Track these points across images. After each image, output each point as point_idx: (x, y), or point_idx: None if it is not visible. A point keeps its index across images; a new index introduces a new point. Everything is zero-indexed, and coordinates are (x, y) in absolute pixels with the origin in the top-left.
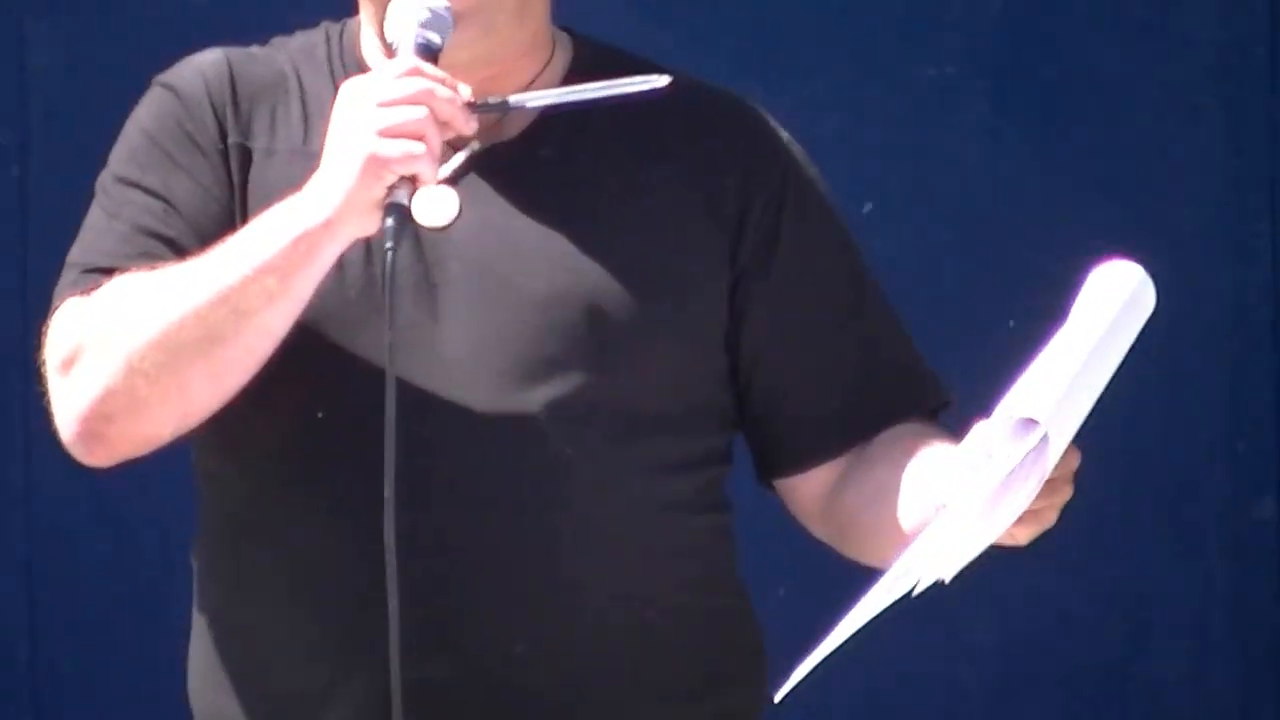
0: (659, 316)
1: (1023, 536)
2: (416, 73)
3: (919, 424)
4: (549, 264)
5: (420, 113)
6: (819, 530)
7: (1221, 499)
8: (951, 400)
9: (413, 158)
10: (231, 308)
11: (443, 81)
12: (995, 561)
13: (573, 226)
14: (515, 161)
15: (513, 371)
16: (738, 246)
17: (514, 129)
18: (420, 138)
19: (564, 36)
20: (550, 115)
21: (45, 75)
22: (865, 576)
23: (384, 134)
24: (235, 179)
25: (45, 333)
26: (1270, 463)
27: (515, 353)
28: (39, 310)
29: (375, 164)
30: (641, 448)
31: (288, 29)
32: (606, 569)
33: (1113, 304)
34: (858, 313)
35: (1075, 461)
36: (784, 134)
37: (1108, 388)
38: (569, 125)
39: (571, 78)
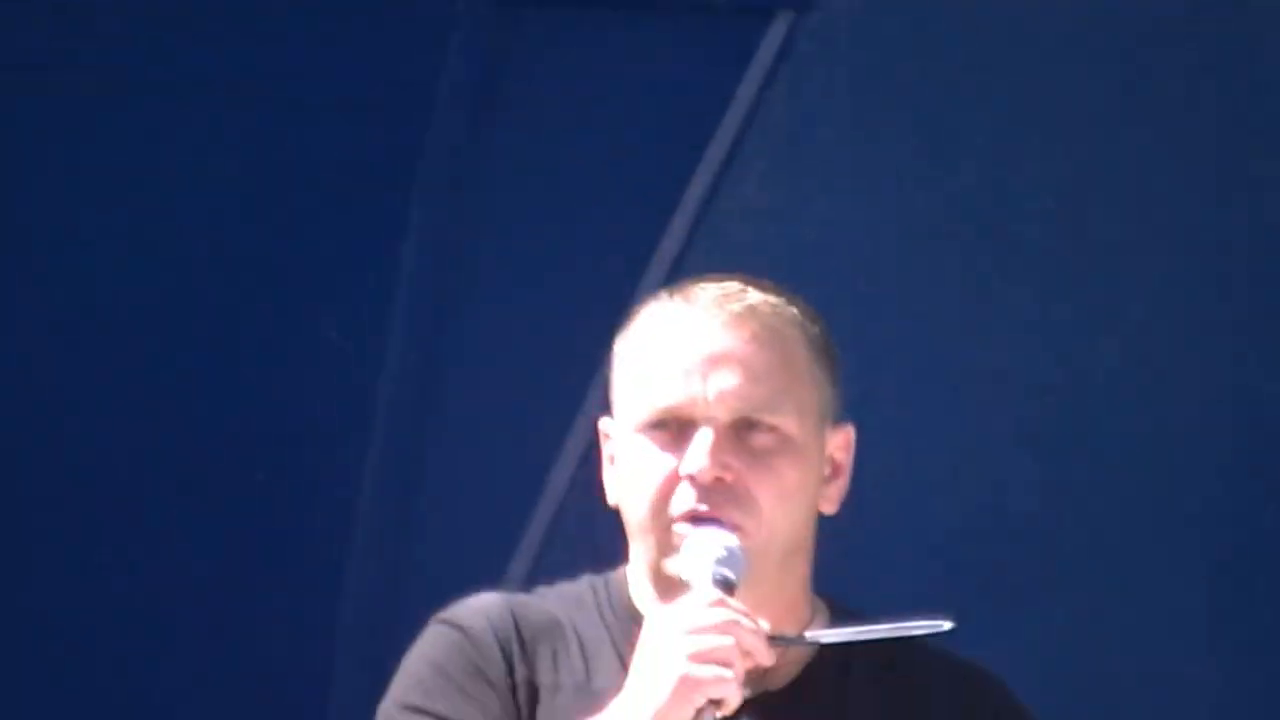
0: None
1: None
2: (722, 604)
3: None
4: None
5: (728, 640)
6: None
7: None
8: None
9: (723, 681)
10: None
11: (745, 614)
12: None
13: None
14: (781, 712)
15: None
16: None
17: (780, 681)
18: (728, 664)
19: (820, 601)
20: (812, 673)
21: None
22: None
23: (695, 659)
24: (524, 712)
25: None
26: None
27: None
28: None
29: (688, 686)
30: None
31: None
32: None
33: None
34: None
35: None
36: (1022, 708)
37: None
38: (831, 682)
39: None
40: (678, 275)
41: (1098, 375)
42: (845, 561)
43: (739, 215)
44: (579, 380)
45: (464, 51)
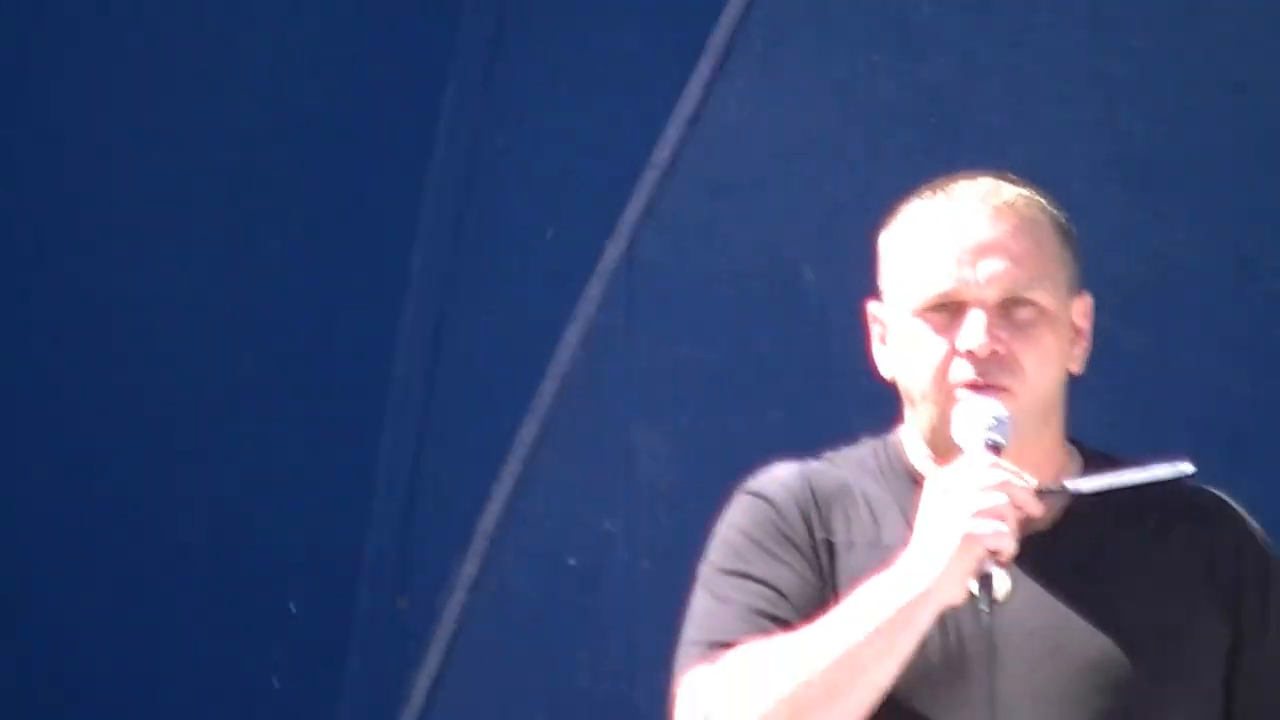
0: (1176, 675)
1: None
2: (998, 466)
3: None
4: (1088, 634)
5: (1003, 498)
6: None
7: None
8: None
9: (1000, 534)
10: (848, 667)
11: (1016, 473)
12: None
13: (1100, 601)
14: (1052, 547)
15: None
16: (1237, 614)
17: (1046, 522)
18: (1004, 518)
19: (1074, 448)
20: (1074, 511)
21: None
22: None
23: (977, 515)
24: (825, 568)
25: (673, 705)
26: None
27: (1063, 708)
28: None
29: (971, 540)
30: None
31: None
32: None
33: None
34: None
35: None
36: (1257, 526)
37: None
38: (1089, 519)
39: (1089, 473)
40: (671, 176)
41: None
42: None
43: (728, 119)
44: (579, 275)
45: None
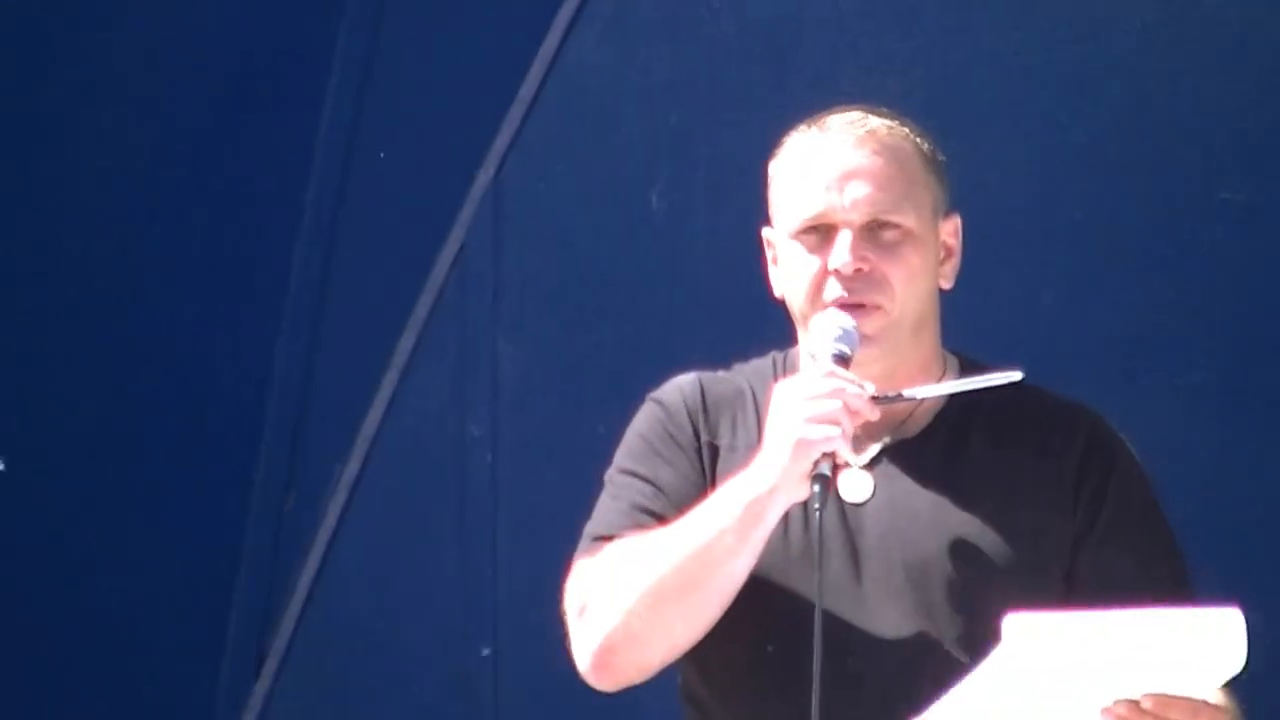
0: (1028, 566)
1: None
2: (832, 375)
3: None
4: (945, 529)
5: (836, 404)
6: None
7: None
8: None
9: (830, 439)
10: (702, 561)
11: (852, 380)
12: None
13: (961, 500)
14: (917, 453)
15: (917, 610)
16: (1077, 510)
17: (914, 429)
18: (836, 423)
19: (952, 358)
20: (942, 419)
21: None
22: None
23: (810, 421)
24: (707, 469)
25: (564, 589)
26: None
27: (920, 597)
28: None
29: (804, 445)
30: None
31: None
32: None
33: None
34: (1164, 579)
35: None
36: (1114, 431)
37: None
38: (956, 427)
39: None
40: (535, 110)
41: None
42: None
43: (585, 59)
44: (453, 201)
45: None
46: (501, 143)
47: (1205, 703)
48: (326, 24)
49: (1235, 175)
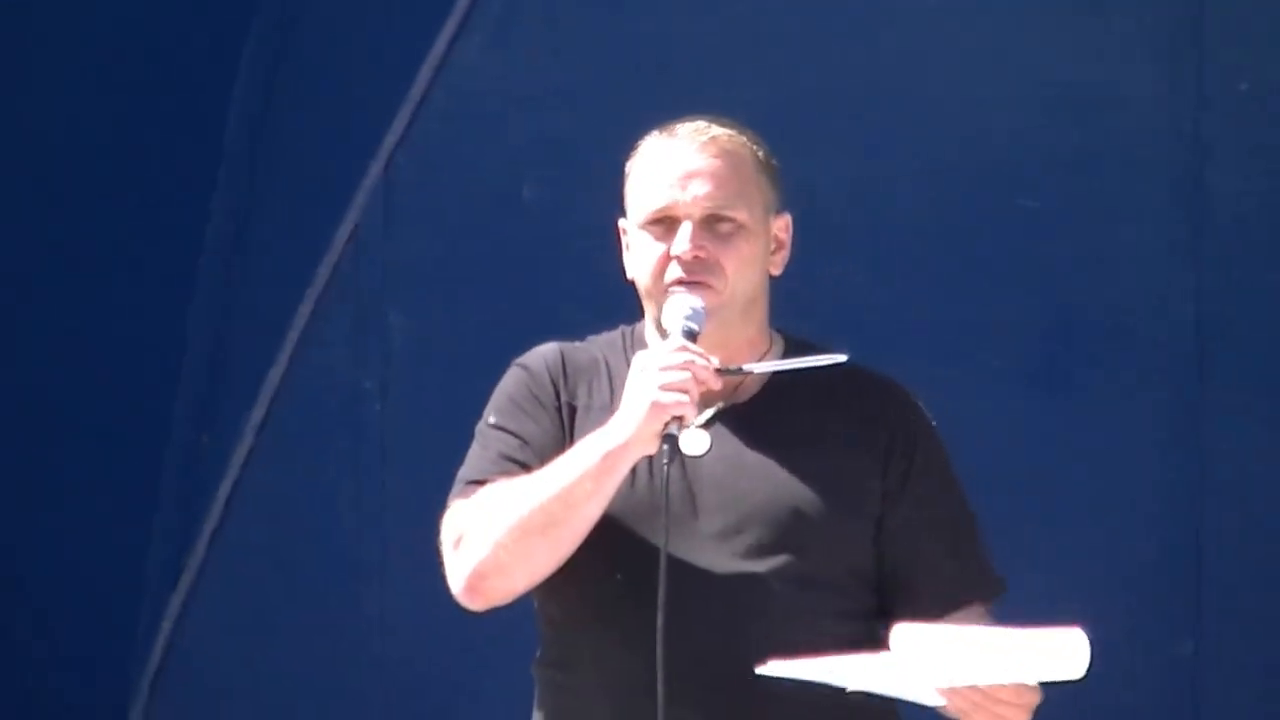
0: (840, 515)
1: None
2: (684, 349)
3: (980, 607)
4: (769, 482)
5: (686, 375)
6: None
7: None
8: (1005, 590)
9: (680, 404)
10: (563, 502)
11: (700, 354)
12: None
13: (784, 457)
14: (747, 416)
15: (745, 550)
16: (886, 471)
17: (746, 395)
18: (686, 391)
19: (779, 336)
20: (770, 387)
21: (402, 352)
22: None
23: (663, 388)
24: (566, 425)
25: (441, 524)
26: None
27: (747, 538)
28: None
29: (657, 409)
30: (820, 598)
31: None
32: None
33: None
34: (959, 533)
35: (1034, 697)
36: (921, 406)
37: None
38: (782, 394)
39: (784, 359)
40: (422, 108)
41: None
42: None
43: (470, 64)
44: (349, 188)
45: None
46: (393, 137)
47: (1026, 685)
48: (239, 27)
49: (1031, 185)
